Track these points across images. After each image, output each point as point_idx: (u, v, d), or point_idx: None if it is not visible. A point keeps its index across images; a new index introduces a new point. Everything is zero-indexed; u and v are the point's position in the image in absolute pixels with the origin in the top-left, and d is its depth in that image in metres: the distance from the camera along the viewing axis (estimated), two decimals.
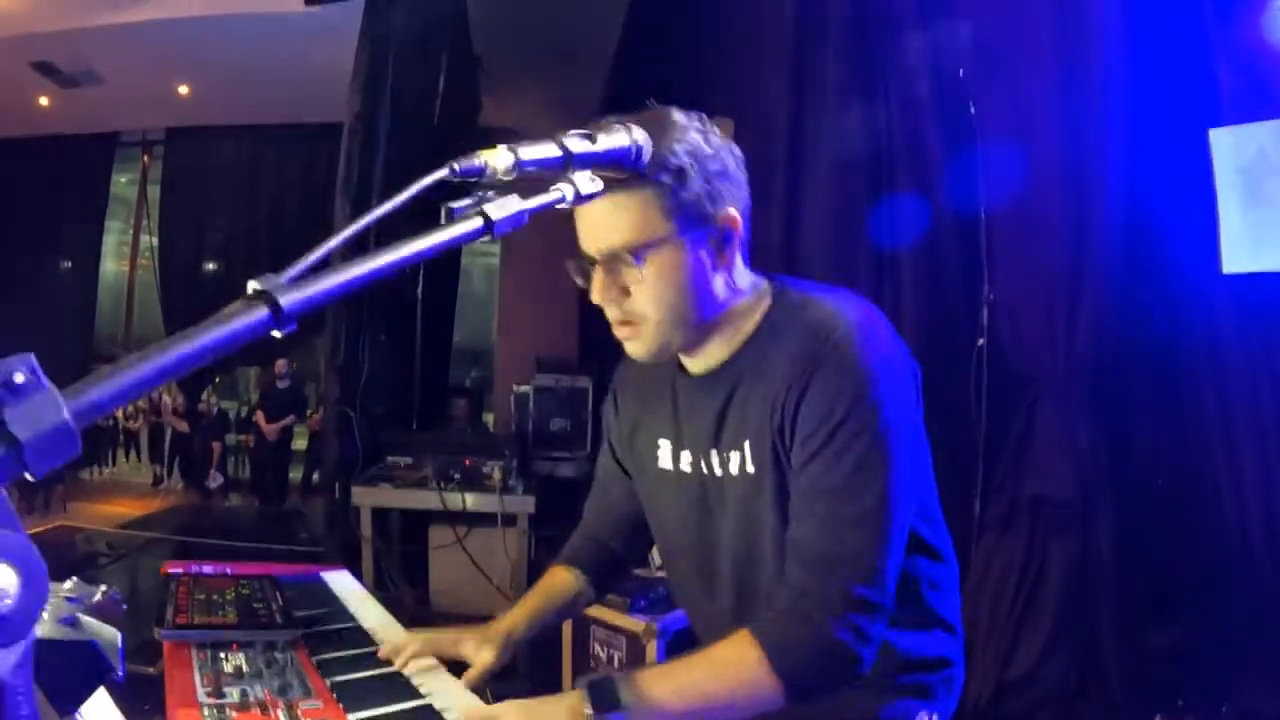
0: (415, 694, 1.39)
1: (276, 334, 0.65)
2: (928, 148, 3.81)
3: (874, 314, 1.29)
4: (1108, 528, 3.35)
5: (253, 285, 0.65)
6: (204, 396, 11.34)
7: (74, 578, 1.08)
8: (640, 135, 0.99)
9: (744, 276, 1.33)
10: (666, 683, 1.18)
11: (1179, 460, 3.40)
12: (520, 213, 0.83)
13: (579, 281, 1.31)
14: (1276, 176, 3.11)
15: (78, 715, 0.95)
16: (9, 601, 0.52)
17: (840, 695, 1.34)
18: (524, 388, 6.29)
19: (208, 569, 1.87)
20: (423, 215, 0.83)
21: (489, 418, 8.28)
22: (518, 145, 0.87)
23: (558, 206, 0.93)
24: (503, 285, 9.10)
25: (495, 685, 1.46)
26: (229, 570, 1.88)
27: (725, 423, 1.33)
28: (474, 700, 1.38)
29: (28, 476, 0.50)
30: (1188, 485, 3.37)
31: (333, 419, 5.67)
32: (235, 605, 1.64)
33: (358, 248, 0.76)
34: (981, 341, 3.61)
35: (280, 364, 9.58)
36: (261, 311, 0.63)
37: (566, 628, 3.26)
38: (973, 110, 3.67)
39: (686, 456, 1.40)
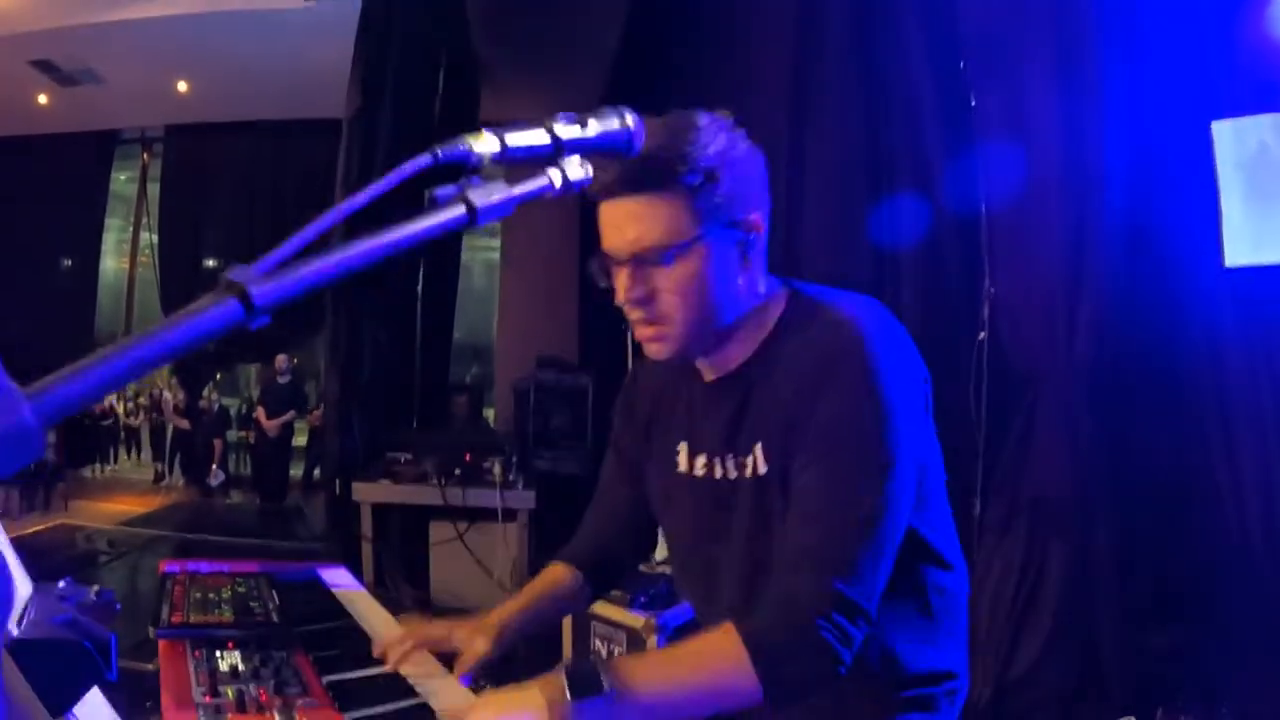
0: (412, 693, 1.38)
1: (250, 328, 0.63)
2: (927, 144, 3.80)
3: (887, 320, 1.29)
4: (1107, 527, 3.35)
5: (224, 277, 0.63)
6: (205, 393, 11.35)
7: (68, 578, 1.08)
8: (632, 121, 0.97)
9: (761, 281, 1.33)
10: (647, 670, 1.18)
11: (1179, 458, 3.39)
12: (507, 200, 0.80)
13: (600, 281, 1.31)
14: (1279, 169, 3.10)
15: (70, 715, 0.94)
16: None
17: (843, 710, 1.34)
18: (524, 384, 6.28)
19: (204, 567, 1.87)
20: (419, 206, 0.81)
21: (489, 414, 8.27)
22: (505, 131, 0.85)
23: (547, 195, 0.91)
24: (503, 281, 9.08)
25: (494, 680, 1.46)
26: (226, 568, 1.87)
27: (740, 426, 1.33)
28: (471, 699, 1.37)
29: None
30: (1188, 484, 3.36)
31: (333, 415, 5.67)
32: (231, 604, 1.64)
33: (348, 238, 0.74)
34: (982, 335, 3.59)
35: (281, 360, 9.59)
36: (231, 304, 0.61)
37: (567, 623, 3.26)
38: (973, 103, 3.66)
39: (702, 460, 1.40)
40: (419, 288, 6.77)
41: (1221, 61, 3.20)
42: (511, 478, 5.18)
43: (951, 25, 3.73)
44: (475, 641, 1.43)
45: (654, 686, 1.16)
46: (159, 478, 11.36)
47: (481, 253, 11.25)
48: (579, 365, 6.42)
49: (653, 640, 2.96)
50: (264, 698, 1.27)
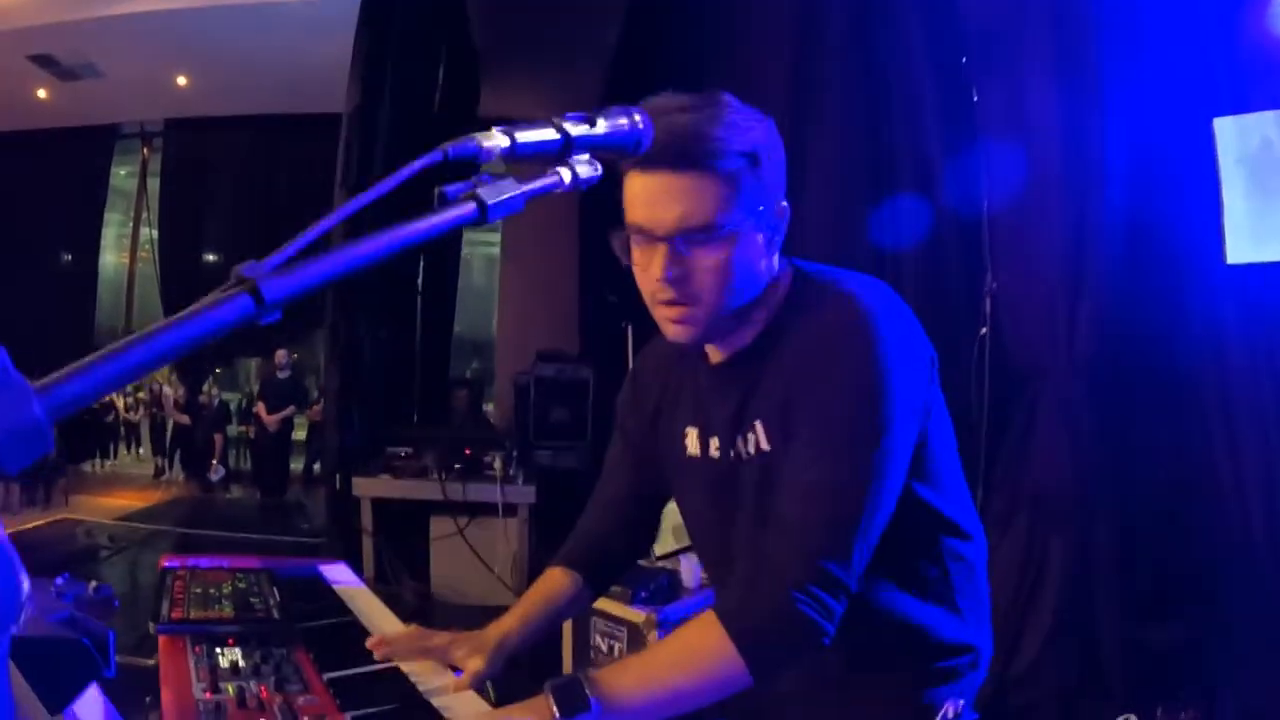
0: (413, 691, 1.38)
1: (260, 322, 0.63)
2: (928, 141, 3.80)
3: (889, 296, 1.29)
4: (1108, 523, 3.35)
5: (236, 272, 0.63)
6: (205, 388, 11.36)
7: (66, 574, 1.08)
8: (641, 120, 0.97)
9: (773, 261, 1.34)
10: (631, 676, 1.18)
11: (1180, 455, 3.39)
12: (516, 197, 0.81)
13: (621, 257, 1.30)
14: None
15: (69, 713, 0.94)
16: None
17: (880, 684, 1.36)
18: (524, 378, 6.28)
19: (204, 563, 1.86)
20: (426, 203, 0.81)
21: (490, 408, 8.28)
22: (514, 129, 0.85)
23: (555, 192, 0.91)
24: (503, 275, 9.09)
25: (498, 678, 1.45)
26: (226, 564, 1.87)
27: (748, 406, 1.33)
28: (473, 699, 1.37)
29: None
30: (1189, 480, 3.36)
31: (334, 410, 5.67)
32: (232, 600, 1.63)
33: (353, 237, 0.74)
34: (984, 331, 3.59)
35: (280, 355, 9.59)
36: (243, 299, 0.62)
37: (567, 620, 3.26)
38: (975, 99, 3.65)
39: (715, 442, 1.39)
40: (419, 282, 6.78)
41: (1223, 58, 3.19)
42: (512, 472, 5.18)
43: (952, 22, 3.73)
44: (473, 661, 1.42)
45: (641, 691, 1.16)
46: (159, 473, 11.37)
47: (481, 247, 11.25)
48: (579, 358, 6.42)
49: (653, 636, 2.96)
50: (264, 694, 1.27)
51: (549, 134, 0.88)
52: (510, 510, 5.09)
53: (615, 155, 0.95)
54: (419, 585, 5.10)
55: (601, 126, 0.93)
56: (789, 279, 1.34)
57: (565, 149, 0.89)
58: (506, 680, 1.45)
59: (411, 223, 0.74)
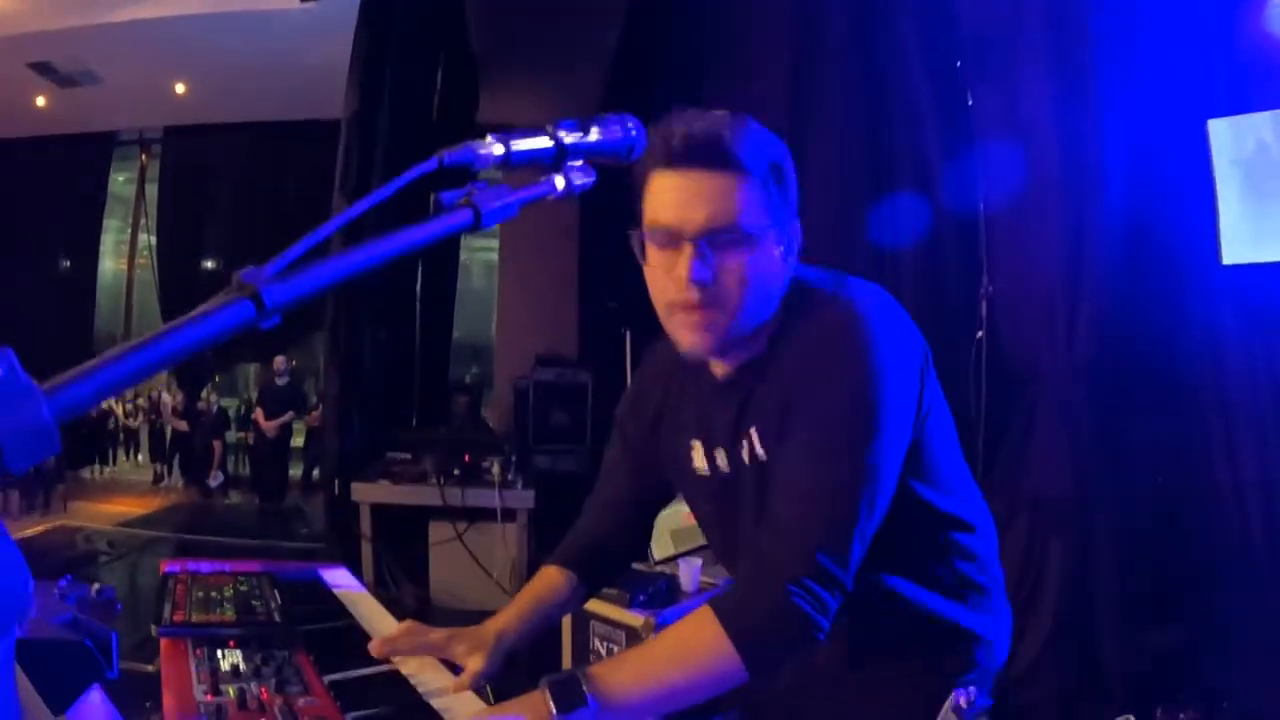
0: (413, 693, 1.39)
1: (261, 327, 0.64)
2: (925, 144, 3.81)
3: (883, 300, 1.30)
4: (1107, 526, 3.35)
5: (237, 278, 0.64)
6: (203, 394, 11.36)
7: (68, 576, 1.08)
8: (635, 128, 0.98)
9: None
10: (627, 673, 1.18)
11: (1178, 457, 3.40)
12: (510, 203, 0.82)
13: (639, 257, 1.29)
14: (1276, 167, 3.10)
15: (72, 714, 0.94)
16: None
17: (889, 676, 1.38)
18: (523, 383, 6.29)
19: (206, 567, 1.87)
20: (422, 211, 0.82)
21: (489, 413, 8.28)
22: (509, 136, 0.86)
23: (549, 198, 0.92)
24: (502, 280, 9.09)
25: (496, 679, 1.46)
26: (227, 568, 1.87)
27: (745, 415, 1.34)
28: (472, 700, 1.37)
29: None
30: (1187, 482, 3.36)
31: (333, 415, 5.67)
32: (233, 603, 1.64)
33: (351, 243, 0.75)
34: (981, 334, 3.60)
35: (279, 361, 9.59)
36: (244, 305, 0.62)
37: (566, 623, 3.26)
38: (971, 102, 3.66)
39: (718, 455, 1.41)
40: (418, 287, 6.78)
41: (1218, 60, 3.21)
42: (510, 477, 5.18)
43: (949, 26, 3.74)
44: (472, 660, 1.43)
45: (638, 686, 1.16)
46: (158, 479, 11.36)
47: (480, 252, 11.26)
48: (578, 363, 6.42)
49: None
50: (265, 696, 1.27)
51: (543, 141, 0.90)
52: (509, 515, 5.09)
53: (609, 161, 0.97)
54: (418, 590, 5.10)
55: (595, 134, 0.94)
56: (791, 287, 1.34)
57: (559, 156, 0.91)
58: (505, 681, 1.46)
59: (408, 229, 0.76)
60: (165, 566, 1.85)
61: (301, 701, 1.28)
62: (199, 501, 10.36)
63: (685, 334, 1.28)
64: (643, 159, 1.19)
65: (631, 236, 1.29)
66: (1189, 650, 3.30)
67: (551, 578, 1.58)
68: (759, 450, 1.31)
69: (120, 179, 11.84)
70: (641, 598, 3.05)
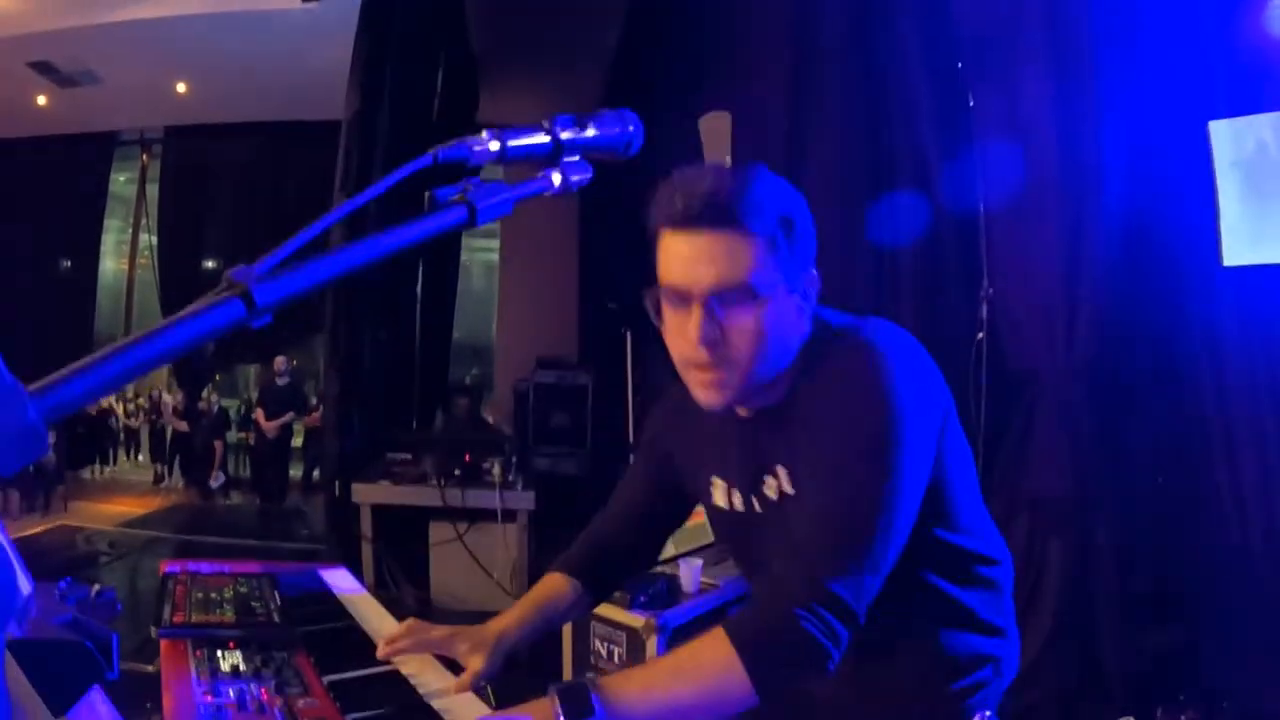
0: (413, 694, 1.39)
1: (252, 326, 0.63)
2: (925, 144, 3.81)
3: (906, 342, 1.31)
4: (1107, 526, 3.35)
5: (227, 277, 0.63)
6: (204, 394, 11.36)
7: (69, 578, 1.08)
8: (632, 124, 0.97)
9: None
10: (638, 686, 1.18)
11: (1178, 458, 3.39)
12: (505, 200, 0.81)
13: (652, 317, 1.31)
14: (1277, 169, 3.10)
15: (72, 715, 0.94)
16: None
17: (909, 705, 1.42)
18: (524, 384, 6.28)
19: (206, 568, 1.87)
20: (420, 207, 0.82)
21: (488, 416, 8.28)
22: (505, 132, 0.86)
23: (545, 194, 0.92)
24: (502, 281, 9.08)
25: (496, 680, 1.46)
26: (227, 569, 1.87)
27: (771, 455, 1.36)
28: (473, 701, 1.38)
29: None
30: (1187, 483, 3.36)
31: (333, 416, 5.67)
32: (233, 604, 1.64)
33: (349, 238, 0.75)
34: (981, 335, 3.60)
35: (279, 361, 9.59)
36: (234, 304, 0.62)
37: (567, 624, 3.26)
38: (971, 103, 3.66)
39: (739, 494, 1.42)
40: (418, 288, 6.78)
41: (1219, 61, 3.21)
42: (511, 478, 5.18)
43: (949, 26, 3.74)
44: (473, 659, 1.43)
45: (647, 698, 1.16)
46: (158, 479, 11.36)
47: (480, 253, 11.26)
48: (579, 365, 6.42)
49: (653, 640, 2.96)
50: (265, 697, 1.28)
51: (539, 137, 0.89)
52: (509, 516, 5.09)
53: (606, 157, 0.96)
54: (418, 591, 5.10)
55: (591, 129, 0.94)
56: (814, 330, 1.35)
57: (556, 152, 0.90)
58: (506, 682, 1.46)
59: (402, 226, 0.75)
60: (165, 567, 1.85)
61: (301, 702, 1.28)
62: (199, 502, 10.36)
63: (699, 391, 1.30)
64: (654, 217, 1.23)
65: (646, 296, 1.30)
66: (1189, 650, 3.30)
67: (557, 584, 1.58)
68: (786, 487, 1.33)
69: (121, 179, 11.84)
70: (642, 599, 3.04)
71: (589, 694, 1.12)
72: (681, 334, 1.26)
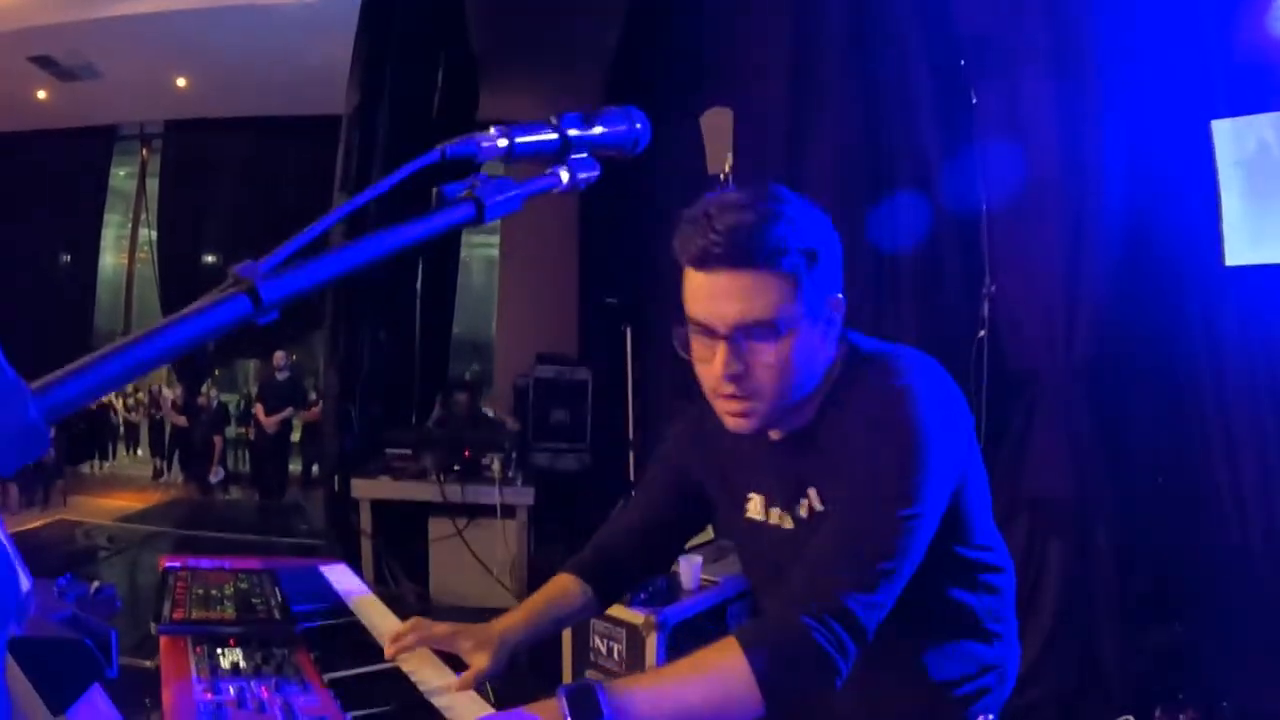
0: (414, 691, 1.38)
1: (258, 323, 0.63)
2: (927, 143, 3.80)
3: (935, 375, 1.33)
4: (1107, 526, 3.35)
5: (233, 272, 0.63)
6: (203, 389, 11.35)
7: (68, 574, 1.08)
8: (639, 121, 0.97)
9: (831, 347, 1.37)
10: (646, 689, 1.18)
11: (1178, 457, 3.39)
12: (513, 197, 0.81)
13: (680, 351, 1.34)
14: (1278, 168, 3.10)
15: (71, 713, 0.94)
16: None
17: (926, 709, 1.43)
18: (524, 380, 6.29)
19: (206, 563, 1.87)
20: (426, 203, 0.82)
21: (489, 410, 8.29)
22: (512, 129, 0.85)
23: (553, 191, 0.91)
24: (502, 277, 9.09)
25: (496, 677, 1.45)
26: (227, 565, 1.87)
27: (804, 477, 1.38)
28: (474, 699, 1.37)
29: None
30: (1187, 483, 3.36)
31: (332, 411, 5.67)
32: (233, 600, 1.64)
33: (354, 235, 0.74)
34: (982, 334, 3.59)
35: (279, 356, 9.58)
36: (240, 300, 0.62)
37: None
38: (973, 102, 3.66)
39: (776, 511, 1.44)
40: (418, 284, 6.78)
41: (1221, 60, 3.20)
42: (510, 474, 5.18)
43: (950, 25, 3.73)
44: (477, 657, 1.43)
45: (655, 701, 1.16)
46: (158, 474, 11.36)
47: (480, 249, 11.26)
48: (578, 360, 6.43)
49: (653, 638, 2.96)
50: (265, 694, 1.27)
51: (547, 134, 0.89)
52: (509, 512, 5.09)
53: (613, 155, 0.96)
54: (418, 587, 5.10)
55: (599, 127, 0.93)
56: (843, 356, 1.38)
57: (563, 149, 0.90)
58: (507, 681, 1.46)
59: (409, 223, 0.75)
60: (165, 563, 1.85)
61: (301, 700, 1.28)
62: (198, 497, 10.36)
63: (729, 419, 1.34)
64: (678, 251, 1.26)
65: (675, 334, 1.33)
66: (1189, 650, 3.30)
67: (566, 586, 1.58)
68: (817, 506, 1.36)
69: (121, 173, 11.83)
70: (642, 596, 3.05)
71: (597, 696, 1.11)
72: (708, 366, 1.30)
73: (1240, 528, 3.18)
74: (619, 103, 0.98)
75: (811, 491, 1.37)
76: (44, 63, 9.04)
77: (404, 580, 5.11)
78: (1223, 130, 3.17)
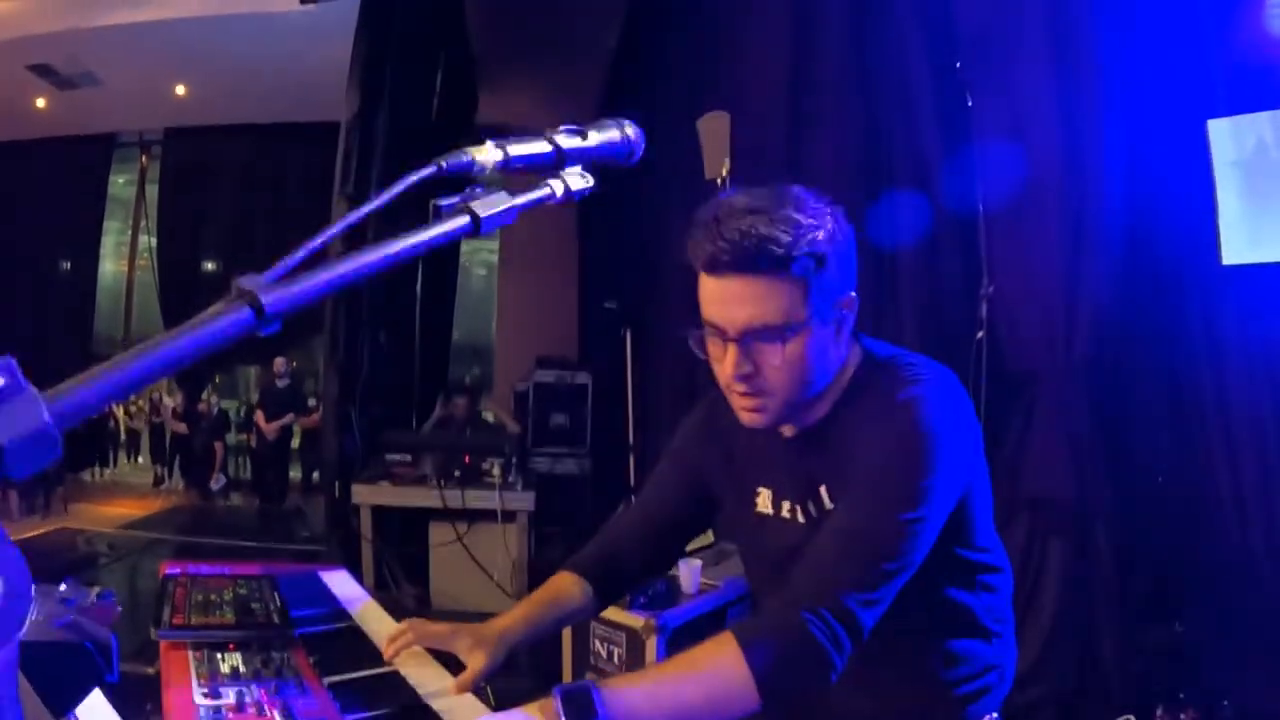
0: (413, 694, 1.39)
1: (261, 334, 0.64)
2: (925, 144, 3.80)
3: (946, 383, 1.35)
4: (1106, 526, 3.35)
5: (236, 284, 0.64)
6: (204, 396, 11.35)
7: (69, 579, 1.08)
8: (633, 132, 0.98)
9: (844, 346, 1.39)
10: (642, 686, 1.19)
11: (1178, 456, 3.39)
12: (509, 209, 0.82)
13: (697, 352, 1.37)
14: (1276, 168, 3.10)
15: (72, 717, 0.95)
16: None
17: (928, 709, 1.44)
18: (524, 385, 6.29)
19: (205, 569, 1.87)
20: (422, 214, 0.83)
21: (489, 415, 8.30)
22: (507, 141, 0.86)
23: (548, 204, 0.92)
24: (502, 281, 9.10)
25: (496, 681, 1.46)
26: (227, 571, 1.87)
27: (815, 477, 1.40)
28: (473, 702, 1.37)
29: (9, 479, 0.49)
30: (1187, 482, 3.36)
31: (332, 417, 5.67)
32: (233, 606, 1.64)
33: (353, 246, 0.75)
34: (980, 334, 3.59)
35: (279, 362, 9.58)
36: (244, 311, 0.63)
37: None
38: (970, 102, 3.66)
39: (787, 506, 1.46)
40: (418, 289, 6.78)
41: (1218, 60, 3.20)
42: (510, 479, 5.18)
43: (948, 25, 3.73)
44: (475, 656, 1.43)
45: (651, 699, 1.16)
46: (159, 481, 11.35)
47: (480, 254, 11.26)
48: (578, 365, 6.43)
49: (652, 641, 2.96)
50: (264, 698, 1.28)
51: (541, 146, 0.90)
52: (509, 517, 5.09)
53: (609, 165, 0.97)
54: (418, 592, 5.10)
55: (593, 139, 0.94)
56: (857, 359, 1.40)
57: (558, 161, 0.91)
58: (506, 683, 1.46)
59: (407, 236, 0.76)
60: (165, 569, 1.85)
61: (300, 703, 1.28)
62: (199, 503, 10.35)
63: (742, 414, 1.37)
64: (691, 254, 1.28)
65: (691, 336, 1.36)
66: (1189, 650, 3.30)
67: (566, 584, 1.58)
68: (828, 503, 1.38)
69: (120, 181, 11.83)
70: (642, 599, 3.05)
71: (592, 695, 1.12)
72: (721, 366, 1.33)
73: (1240, 527, 3.18)
74: (618, 105, 1.00)
75: (822, 489, 1.38)
76: (43, 71, 9.05)
77: (405, 585, 5.11)
78: (1220, 130, 3.18)
